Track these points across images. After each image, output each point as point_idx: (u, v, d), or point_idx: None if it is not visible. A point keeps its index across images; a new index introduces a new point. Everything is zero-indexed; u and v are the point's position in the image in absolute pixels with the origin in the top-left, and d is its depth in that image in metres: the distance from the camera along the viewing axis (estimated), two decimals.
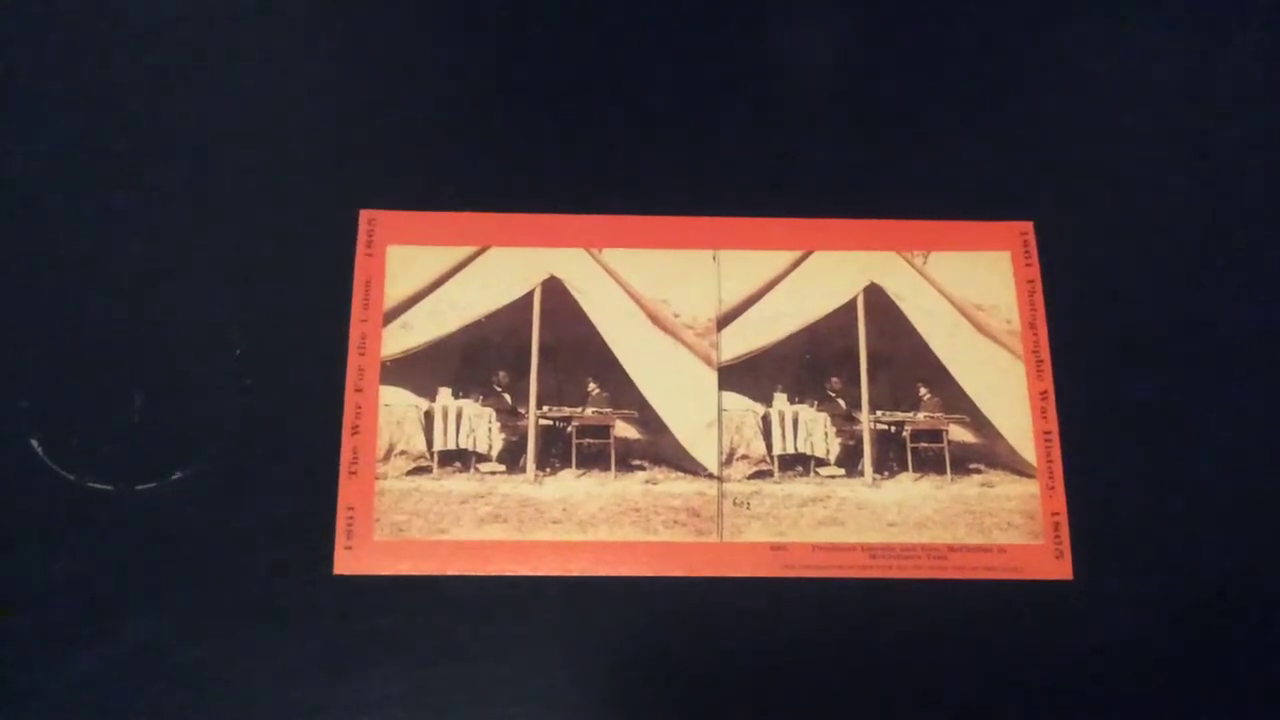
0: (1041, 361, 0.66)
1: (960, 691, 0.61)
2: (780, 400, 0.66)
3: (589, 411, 0.65)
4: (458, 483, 0.64)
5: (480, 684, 0.60)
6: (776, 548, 0.63)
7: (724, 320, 0.67)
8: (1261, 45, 0.72)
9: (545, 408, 0.65)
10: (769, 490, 0.64)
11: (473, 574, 0.62)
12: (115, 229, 0.67)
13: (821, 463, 0.65)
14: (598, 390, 0.65)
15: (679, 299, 0.67)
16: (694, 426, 0.65)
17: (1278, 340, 0.67)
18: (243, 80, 0.70)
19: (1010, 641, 0.62)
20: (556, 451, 0.64)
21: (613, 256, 0.67)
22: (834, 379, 0.66)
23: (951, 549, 0.63)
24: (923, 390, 0.66)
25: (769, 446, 0.65)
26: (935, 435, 0.65)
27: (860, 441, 0.65)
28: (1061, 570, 0.63)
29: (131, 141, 0.68)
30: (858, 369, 0.66)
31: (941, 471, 0.65)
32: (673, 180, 0.69)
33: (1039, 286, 0.67)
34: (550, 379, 0.65)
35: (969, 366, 0.66)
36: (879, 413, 0.66)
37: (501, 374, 0.65)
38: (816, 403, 0.66)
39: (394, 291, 0.66)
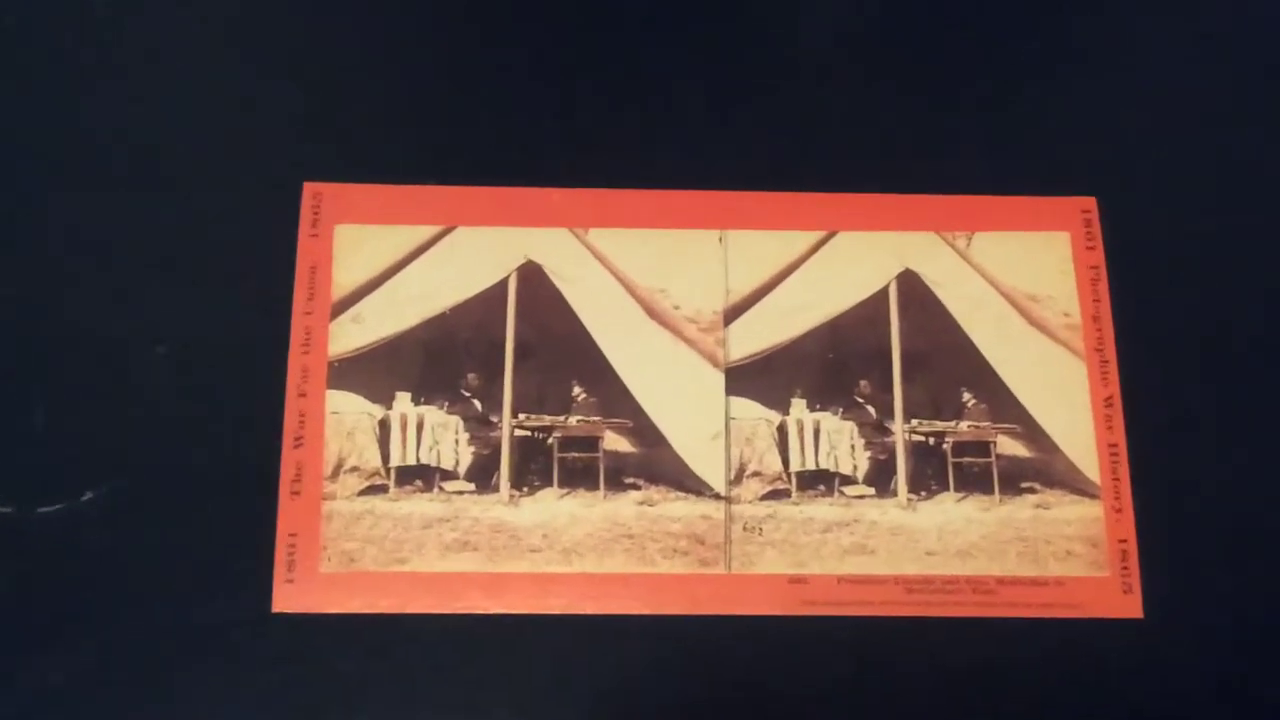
0: (1106, 361, 0.66)
1: None
2: (799, 407, 0.66)
3: (574, 420, 0.65)
4: (419, 504, 0.64)
5: None
6: (795, 580, 0.63)
7: (732, 313, 0.67)
8: None
9: (522, 416, 0.65)
10: (786, 513, 0.65)
11: (437, 612, 0.62)
12: (18, 211, 0.67)
13: (848, 480, 0.65)
14: (584, 395, 0.66)
15: (680, 288, 0.67)
16: (697, 438, 0.65)
17: None
18: (168, 33, 0.70)
19: (1070, 690, 0.62)
20: (536, 467, 0.65)
21: (601, 238, 0.67)
22: (862, 382, 0.66)
23: (1000, 582, 0.64)
24: (966, 395, 0.66)
25: (785, 461, 0.65)
26: (981, 448, 0.66)
27: (893, 455, 0.66)
28: (1130, 607, 0.63)
29: (38, 109, 0.69)
30: (890, 370, 0.66)
31: (989, 491, 0.65)
32: (672, 148, 0.69)
33: (1103, 273, 0.67)
34: (528, 382, 0.66)
35: (1021, 367, 0.66)
36: (915, 421, 0.66)
37: (470, 376, 0.66)
38: (842, 410, 0.66)
39: (343, 279, 0.66)
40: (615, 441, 0.65)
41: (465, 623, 0.62)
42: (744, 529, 0.64)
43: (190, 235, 0.66)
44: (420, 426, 0.65)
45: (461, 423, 0.65)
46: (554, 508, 0.64)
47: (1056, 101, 0.70)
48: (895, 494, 0.65)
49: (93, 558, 0.62)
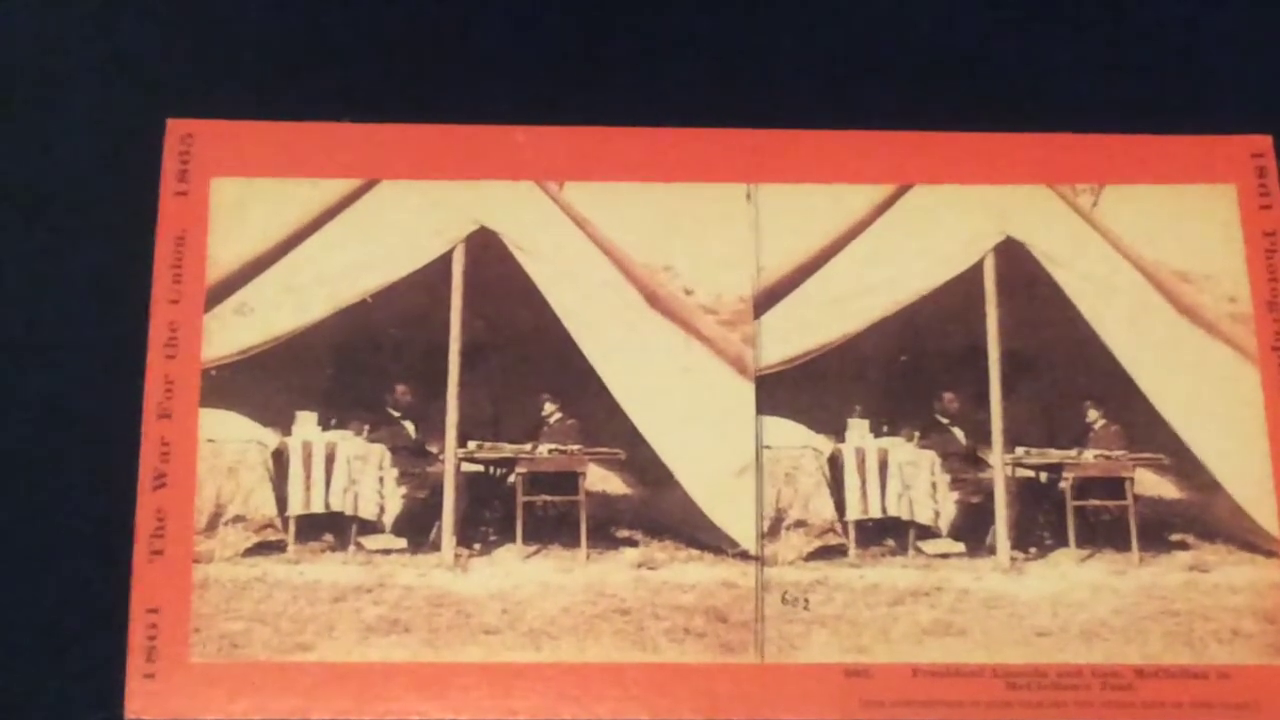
0: None
1: None
2: (858, 430, 0.66)
3: (545, 450, 0.65)
4: (329, 568, 0.64)
5: None
6: (854, 672, 0.63)
7: (766, 300, 0.67)
8: None
9: (472, 445, 0.66)
10: (841, 578, 0.64)
11: (354, 719, 0.62)
12: None
13: (927, 533, 0.65)
14: (559, 416, 0.66)
15: (692, 265, 0.67)
16: (717, 474, 0.65)
17: None
18: None
19: None
20: (492, 516, 0.65)
21: (582, 195, 0.68)
22: (947, 395, 0.67)
23: (1141, 674, 0.63)
24: (1093, 413, 0.66)
25: (840, 506, 0.66)
26: (1114, 487, 0.66)
27: (990, 498, 0.66)
28: None
29: None
30: (985, 379, 0.67)
31: (1124, 547, 0.65)
32: (681, 69, 0.69)
33: None
34: (480, 397, 0.66)
35: (1169, 374, 0.67)
36: (1021, 450, 0.66)
37: (400, 390, 0.66)
38: (918, 434, 0.66)
39: (223, 253, 0.67)
40: (603, 479, 0.65)
41: None
42: (783, 601, 0.64)
43: (11, 196, 0.67)
44: (330, 460, 0.65)
45: (388, 454, 0.65)
46: (517, 572, 0.64)
47: (1216, 2, 0.71)
48: (994, 551, 0.65)
49: None
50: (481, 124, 0.68)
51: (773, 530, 0.64)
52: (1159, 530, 0.65)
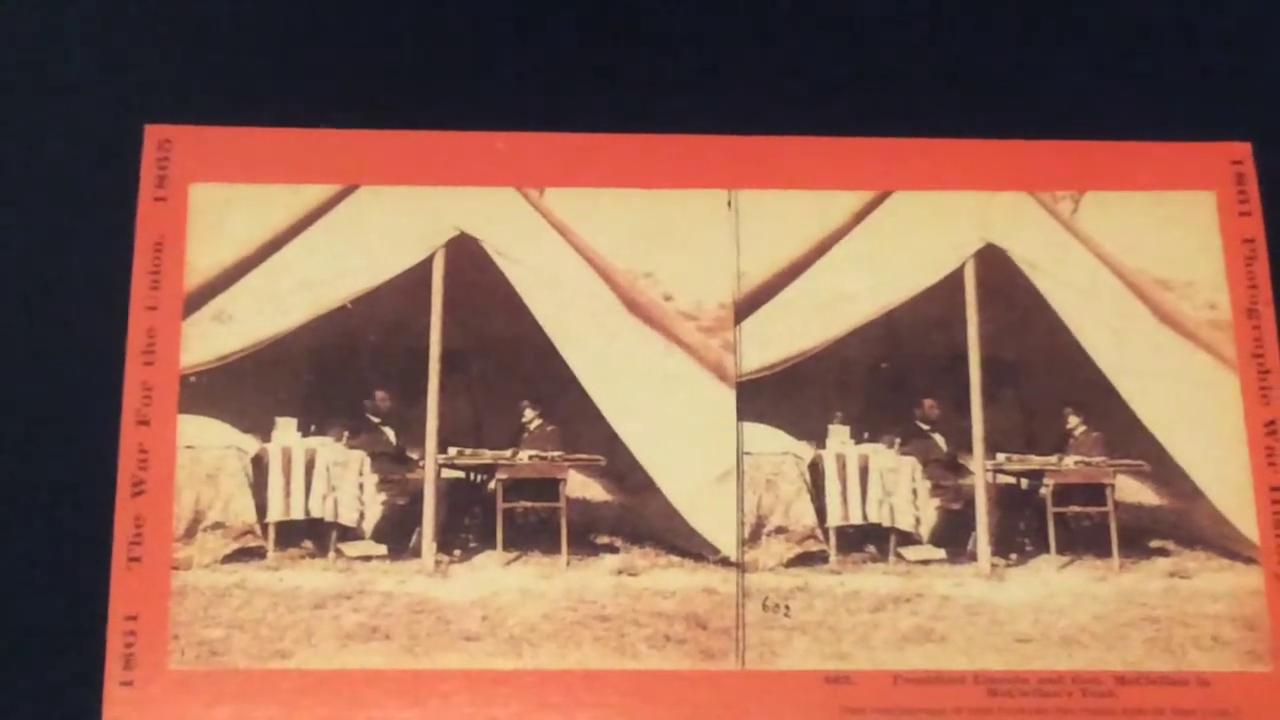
0: (1267, 372, 0.67)
1: None
2: (839, 436, 0.66)
3: (525, 456, 0.66)
4: (309, 574, 0.64)
5: None
6: (835, 679, 0.63)
7: (747, 306, 0.67)
8: None
9: (452, 451, 0.66)
10: (822, 584, 0.64)
11: None
12: None
13: (908, 539, 0.66)
14: (539, 422, 0.66)
15: (673, 271, 0.67)
16: (698, 480, 0.65)
17: None
18: None
19: None
20: (472, 523, 0.65)
21: (562, 201, 0.68)
22: (927, 402, 0.67)
23: (1121, 680, 0.64)
24: (1073, 420, 0.67)
25: (821, 513, 0.66)
26: (1094, 494, 0.66)
27: (971, 504, 0.66)
28: None
29: None
30: (966, 385, 0.67)
31: (1105, 553, 0.65)
32: (662, 76, 0.69)
33: (1262, 248, 0.68)
34: (460, 404, 0.66)
35: (1149, 381, 0.67)
36: (1002, 457, 0.67)
37: (380, 396, 0.66)
38: (899, 441, 0.67)
39: (202, 259, 0.67)
40: (583, 486, 0.65)
41: None
42: (764, 607, 0.64)
43: None
44: (310, 466, 0.65)
45: (368, 460, 0.65)
46: (497, 579, 0.64)
47: (1197, 10, 0.70)
48: (974, 558, 0.65)
49: None
50: (462, 130, 0.68)
51: (753, 537, 0.65)
52: (1139, 537, 0.65)
